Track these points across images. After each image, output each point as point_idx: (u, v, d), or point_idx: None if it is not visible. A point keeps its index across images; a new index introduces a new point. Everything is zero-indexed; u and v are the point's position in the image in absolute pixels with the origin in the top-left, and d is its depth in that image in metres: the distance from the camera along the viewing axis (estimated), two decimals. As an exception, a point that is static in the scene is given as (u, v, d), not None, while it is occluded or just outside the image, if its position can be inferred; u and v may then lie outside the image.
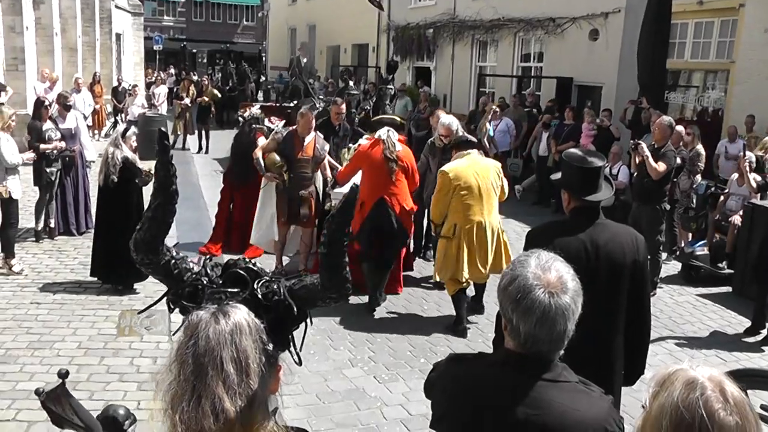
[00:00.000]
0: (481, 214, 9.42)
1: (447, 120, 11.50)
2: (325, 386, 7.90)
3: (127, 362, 8.21)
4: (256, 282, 2.59)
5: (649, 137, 13.90)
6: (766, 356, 9.70)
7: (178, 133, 25.73)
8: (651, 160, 11.06)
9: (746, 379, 5.13)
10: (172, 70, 34.28)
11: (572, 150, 5.12)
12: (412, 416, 7.35)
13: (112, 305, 9.96)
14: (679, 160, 13.18)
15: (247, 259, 2.70)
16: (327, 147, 11.59)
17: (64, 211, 13.23)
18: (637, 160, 11.48)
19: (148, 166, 9.20)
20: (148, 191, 3.18)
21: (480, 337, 9.56)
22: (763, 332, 10.11)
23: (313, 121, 11.41)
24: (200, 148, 25.71)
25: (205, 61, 71.93)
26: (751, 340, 10.12)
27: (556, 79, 23.22)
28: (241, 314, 2.27)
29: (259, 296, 2.54)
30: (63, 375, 3.46)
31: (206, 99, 26.91)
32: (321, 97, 21.83)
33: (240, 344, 2.19)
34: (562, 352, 2.84)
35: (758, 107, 16.81)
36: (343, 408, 7.50)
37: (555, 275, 2.78)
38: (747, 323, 10.57)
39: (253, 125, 14.00)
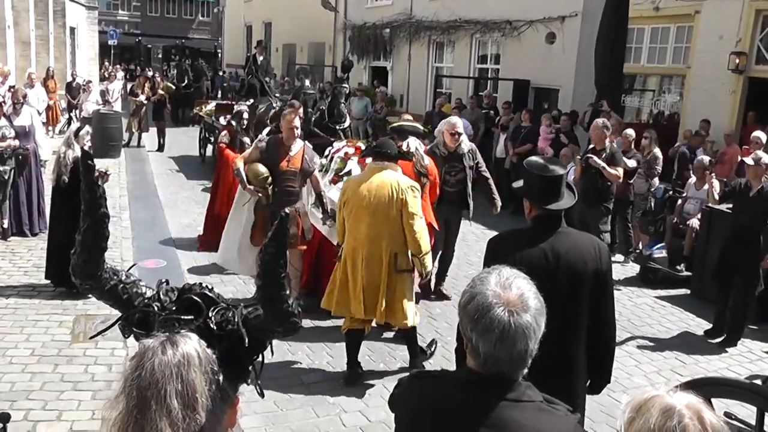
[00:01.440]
0: (367, 239, 7.81)
1: (453, 120, 10.88)
2: (283, 393, 7.76)
3: (82, 370, 8.03)
4: (211, 309, 2.45)
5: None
6: (725, 358, 9.82)
7: (133, 130, 25.40)
8: (608, 168, 11.47)
9: (709, 387, 5.12)
10: (120, 74, 33.89)
11: (533, 158, 5.10)
12: (371, 423, 7.30)
13: (67, 310, 9.73)
14: (634, 163, 13.36)
15: (204, 285, 2.56)
16: (317, 159, 10.29)
17: (17, 211, 12.93)
18: (581, 168, 11.89)
19: (104, 165, 9.04)
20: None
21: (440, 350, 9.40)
22: (728, 335, 10.23)
23: (297, 120, 9.78)
24: (159, 146, 25.37)
25: (160, 56, 71.52)
26: (714, 341, 10.25)
27: (513, 82, 23.32)
28: (191, 344, 2.18)
29: (212, 325, 2.41)
30: (4, 419, 3.35)
31: (161, 92, 26.70)
32: (277, 95, 21.74)
33: (187, 377, 2.10)
34: (526, 370, 2.78)
35: (713, 112, 17.08)
36: (302, 415, 7.40)
37: (516, 293, 2.70)
38: (706, 325, 10.74)
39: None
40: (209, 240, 12.73)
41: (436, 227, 9.95)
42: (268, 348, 2.54)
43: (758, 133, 12.98)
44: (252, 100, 20.88)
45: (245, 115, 14.70)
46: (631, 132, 14.47)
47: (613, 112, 16.77)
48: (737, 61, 16.93)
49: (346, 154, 10.95)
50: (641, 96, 21.55)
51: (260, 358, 2.50)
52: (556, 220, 4.82)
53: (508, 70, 24.38)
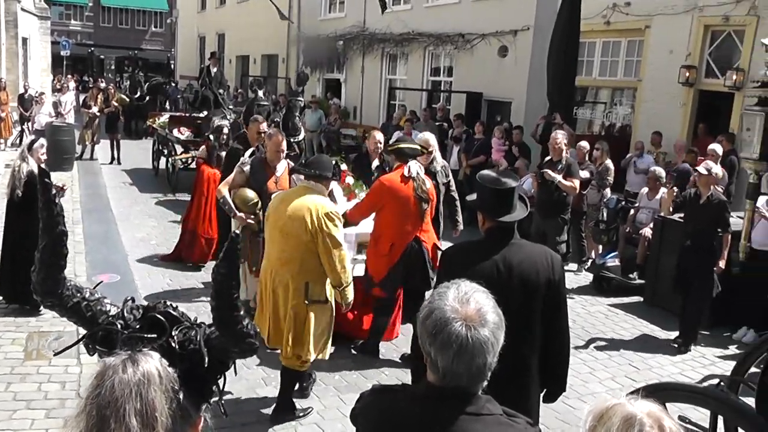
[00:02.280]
0: (278, 263, 7.28)
1: (427, 136, 10.52)
2: (239, 406, 7.66)
3: (35, 388, 7.85)
4: (174, 328, 2.41)
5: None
6: (679, 363, 9.97)
7: (86, 143, 25.02)
8: (563, 181, 11.68)
9: (663, 392, 5.16)
10: (71, 84, 33.48)
11: (486, 172, 5.16)
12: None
13: (19, 327, 9.52)
14: (587, 174, 13.52)
15: (168, 303, 2.52)
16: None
17: (-32, 225, 12.60)
18: (537, 181, 12.18)
19: (60, 179, 8.87)
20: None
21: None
22: (683, 339, 10.49)
23: (284, 143, 9.39)
24: (112, 158, 24.99)
25: (113, 67, 70.80)
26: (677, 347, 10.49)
27: (465, 94, 23.41)
28: (152, 363, 2.15)
29: (173, 344, 2.37)
30: None
31: (115, 104, 26.44)
32: (231, 107, 21.64)
33: (146, 396, 2.07)
34: (485, 383, 2.79)
35: (664, 124, 17.28)
36: (257, 429, 7.34)
37: (474, 308, 2.71)
38: (659, 331, 11.04)
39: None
40: (180, 254, 12.86)
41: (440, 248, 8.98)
42: (231, 368, 2.51)
43: (714, 146, 13.19)
44: (206, 112, 20.81)
45: (225, 130, 14.21)
46: (585, 144, 14.66)
47: (565, 125, 16.90)
48: (687, 74, 17.16)
49: None
50: (593, 108, 21.74)
51: (222, 378, 2.48)
52: (509, 231, 4.87)
53: (460, 82, 24.50)
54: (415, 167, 8.90)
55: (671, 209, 11.68)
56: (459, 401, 2.75)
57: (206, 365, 2.33)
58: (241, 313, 2.43)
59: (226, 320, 2.42)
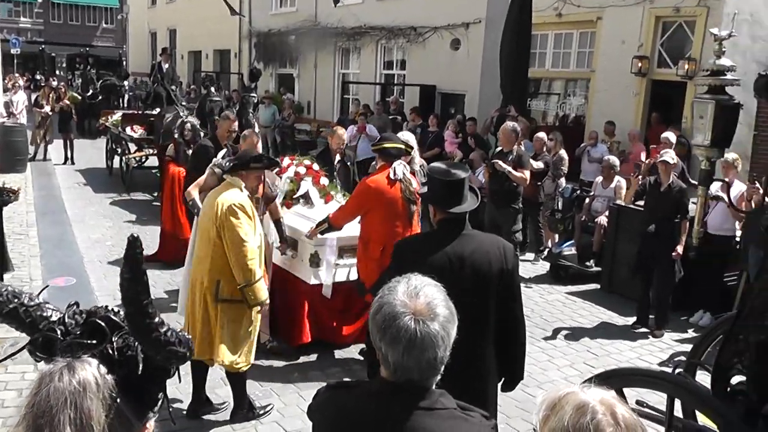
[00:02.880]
0: (195, 261, 7.22)
1: (406, 136, 9.76)
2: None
3: (-10, 396, 7.67)
4: (114, 334, 2.32)
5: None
6: (637, 348, 10.08)
7: (38, 142, 24.57)
8: (513, 171, 11.66)
9: (621, 378, 5.20)
10: (21, 82, 32.90)
11: (436, 164, 5.15)
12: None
13: (-25, 335, 9.38)
14: (542, 164, 13.61)
15: (109, 307, 2.42)
16: (278, 182, 9.36)
17: None
18: (489, 171, 12.19)
19: (13, 181, 8.68)
20: (10, 209, 2.85)
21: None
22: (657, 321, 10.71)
23: (260, 145, 8.98)
24: (66, 158, 24.52)
25: (64, 65, 69.83)
26: (639, 331, 10.67)
27: (419, 87, 23.51)
28: (89, 370, 2.10)
29: (110, 350, 2.28)
30: None
31: (67, 103, 26.06)
32: (184, 104, 21.45)
33: (82, 404, 2.02)
34: (438, 377, 2.79)
35: (618, 114, 17.45)
36: (218, 428, 7.27)
37: (423, 301, 2.70)
38: (616, 317, 11.20)
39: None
40: (164, 255, 12.73)
41: None
42: (175, 374, 2.45)
43: (667, 134, 13.38)
44: (158, 109, 20.61)
45: (188, 126, 13.90)
46: (542, 135, 14.79)
47: (521, 117, 16.99)
48: (640, 64, 17.33)
49: (296, 174, 9.85)
50: (547, 99, 21.87)
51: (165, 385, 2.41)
52: (460, 223, 4.87)
53: (414, 75, 24.58)
54: (400, 168, 8.49)
55: (632, 197, 11.89)
56: (412, 396, 2.74)
57: (141, 372, 2.25)
58: (156, 320, 2.32)
59: (140, 328, 2.32)
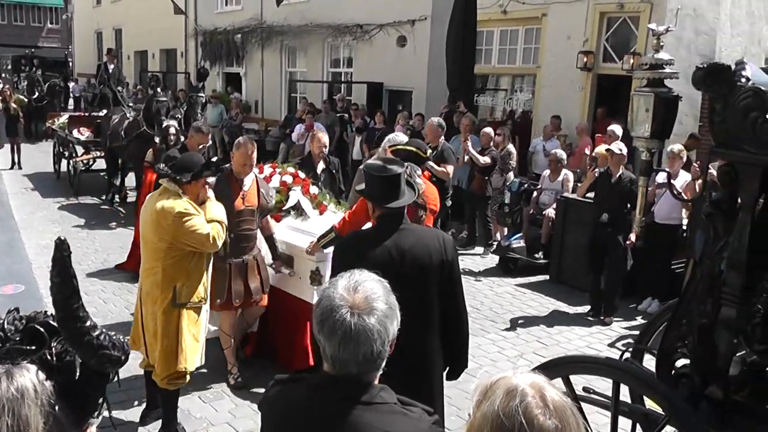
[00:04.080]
0: (146, 271, 6.85)
1: (399, 137, 9.27)
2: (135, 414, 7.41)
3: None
4: (53, 339, 2.30)
5: (457, 139, 14.45)
6: (586, 337, 10.27)
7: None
8: (435, 166, 11.63)
9: (567, 365, 5.28)
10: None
11: (371, 161, 5.28)
12: None
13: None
14: (488, 159, 13.73)
15: (48, 313, 2.39)
16: (273, 192, 8.64)
17: None
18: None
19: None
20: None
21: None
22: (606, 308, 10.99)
23: (255, 154, 8.08)
24: (13, 163, 24.02)
25: (9, 67, 68.42)
26: (593, 319, 10.96)
27: (366, 84, 23.56)
28: (27, 377, 2.08)
29: (49, 356, 2.27)
30: None
31: (14, 106, 25.60)
32: (131, 105, 21.23)
33: (19, 411, 2.00)
34: (379, 372, 2.82)
35: (564, 108, 17.71)
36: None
37: (362, 296, 2.73)
38: (565, 307, 11.41)
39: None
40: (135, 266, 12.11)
41: None
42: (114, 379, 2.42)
43: (614, 127, 13.56)
44: (105, 111, 20.38)
45: (172, 130, 13.18)
46: (489, 130, 14.87)
47: (469, 113, 17.14)
48: (585, 59, 17.57)
49: (283, 184, 9.11)
50: (494, 95, 22.05)
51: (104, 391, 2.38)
52: (398, 217, 4.93)
53: (361, 73, 24.62)
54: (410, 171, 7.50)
55: (585, 189, 12.13)
56: (351, 390, 2.77)
57: (78, 377, 2.24)
58: (88, 324, 2.29)
59: (71, 332, 2.30)
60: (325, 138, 10.19)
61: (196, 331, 6.77)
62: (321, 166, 10.04)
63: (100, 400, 2.34)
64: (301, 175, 9.31)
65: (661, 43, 4.93)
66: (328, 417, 2.76)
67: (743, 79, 4.34)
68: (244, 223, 7.89)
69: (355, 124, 20.37)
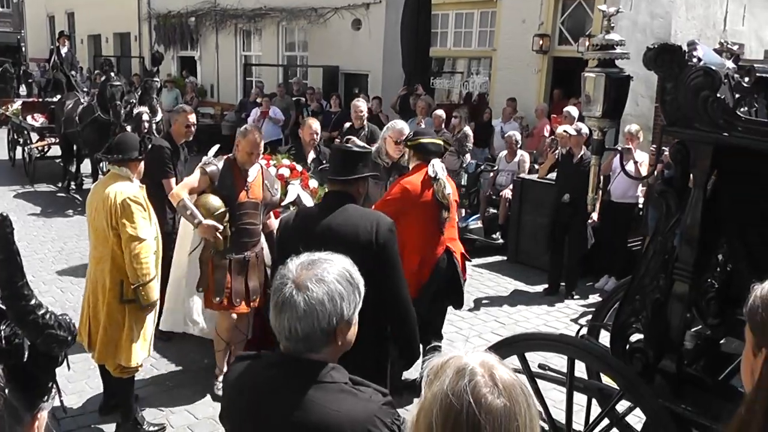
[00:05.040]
0: (93, 261, 6.62)
1: (400, 125, 8.72)
2: (91, 404, 7.32)
3: None
4: (1, 322, 2.20)
5: (414, 121, 14.52)
6: (543, 315, 10.41)
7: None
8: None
9: (523, 343, 5.35)
10: None
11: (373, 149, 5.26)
12: (199, 420, 7.11)
13: None
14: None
15: None
16: (278, 185, 8.00)
17: None
18: None
19: None
20: None
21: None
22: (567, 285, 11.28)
23: (262, 144, 7.60)
24: None
25: (-37, 54, 67.01)
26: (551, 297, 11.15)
27: (322, 68, 23.53)
28: None
29: None
30: None
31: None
32: (85, 90, 21.00)
33: None
34: (330, 349, 2.84)
35: (521, 90, 17.86)
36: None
37: (312, 273, 2.75)
38: (523, 286, 11.57)
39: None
40: None
41: (468, 257, 8.33)
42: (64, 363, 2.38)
43: (569, 108, 13.63)
44: (59, 96, 20.13)
45: (145, 117, 12.77)
46: (440, 112, 14.95)
47: (426, 95, 17.23)
48: (541, 42, 17.70)
49: (281, 177, 8.45)
50: (451, 78, 22.13)
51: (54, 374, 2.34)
52: (344, 196, 4.94)
53: (316, 57, 24.50)
54: (439, 166, 7.39)
55: (547, 170, 12.33)
56: (302, 368, 2.80)
57: (26, 359, 2.22)
58: (33, 302, 2.23)
59: (17, 311, 2.23)
60: (316, 125, 9.66)
61: (140, 327, 6.57)
62: (312, 155, 9.48)
63: (50, 384, 2.30)
64: (299, 167, 8.81)
65: (612, 24, 5.00)
66: (277, 395, 2.79)
67: (695, 60, 4.43)
68: (247, 217, 7.35)
69: (311, 107, 20.34)
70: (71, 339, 2.28)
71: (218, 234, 7.11)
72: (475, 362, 2.04)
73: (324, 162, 8.94)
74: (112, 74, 16.70)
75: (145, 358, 6.80)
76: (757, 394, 2.19)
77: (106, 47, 38.27)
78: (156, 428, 6.92)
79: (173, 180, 8.55)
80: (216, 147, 8.58)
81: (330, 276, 2.74)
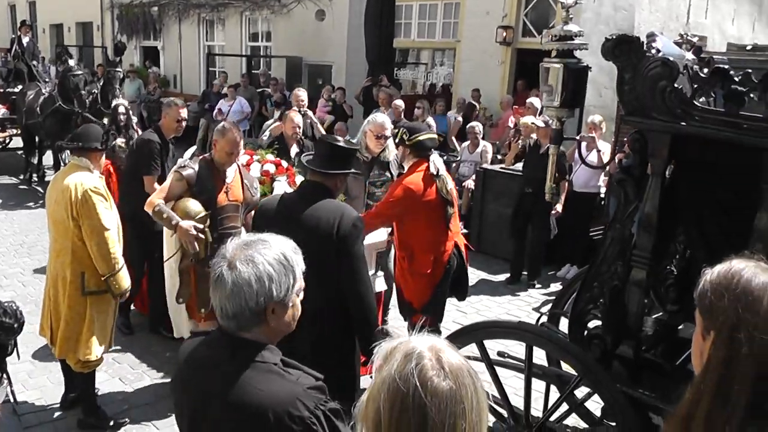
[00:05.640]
0: (53, 253, 6.45)
1: (381, 119, 8.36)
2: (46, 397, 7.25)
3: None
4: None
5: (378, 111, 14.55)
6: (504, 304, 10.47)
7: None
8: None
9: (482, 331, 5.39)
10: None
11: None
12: (160, 413, 7.06)
13: None
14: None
15: None
16: (257, 184, 7.55)
17: None
18: None
19: None
20: None
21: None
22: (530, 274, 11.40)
23: (241, 142, 7.13)
24: None
25: None
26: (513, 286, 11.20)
27: (285, 59, 23.50)
28: None
29: None
30: None
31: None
32: (47, 80, 20.80)
33: None
34: (263, 329, 2.86)
35: (484, 82, 17.92)
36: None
37: (246, 253, 2.78)
38: (485, 275, 11.59)
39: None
40: None
41: (470, 247, 8.03)
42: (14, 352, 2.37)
43: (533, 99, 13.72)
44: (20, 87, 19.92)
45: (121, 109, 11.72)
46: (399, 103, 15.04)
47: (390, 86, 17.27)
48: (504, 34, 17.77)
49: (266, 173, 8.07)
50: (415, 69, 22.23)
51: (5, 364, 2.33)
52: (321, 189, 4.99)
53: (280, 47, 24.48)
54: (439, 162, 7.12)
55: (513, 159, 12.47)
56: (234, 346, 2.84)
57: None
58: None
59: None
60: (298, 119, 9.43)
61: (102, 320, 6.47)
62: (294, 149, 9.24)
63: (2, 375, 2.31)
64: (284, 163, 8.33)
65: (571, 16, 5.06)
66: (210, 371, 2.85)
67: (653, 51, 4.49)
68: (228, 221, 6.98)
69: (274, 98, 20.29)
70: (18, 326, 2.28)
71: (200, 236, 6.65)
72: (424, 346, 2.05)
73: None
74: (71, 62, 16.52)
75: (107, 352, 6.76)
76: (705, 375, 2.25)
77: (68, 37, 37.82)
78: (118, 422, 6.82)
79: (155, 178, 8.20)
80: (192, 149, 8.46)
81: (261, 257, 2.77)
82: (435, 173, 6.86)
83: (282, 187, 7.90)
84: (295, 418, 2.69)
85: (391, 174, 8.35)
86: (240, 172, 7.17)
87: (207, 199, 6.78)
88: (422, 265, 6.87)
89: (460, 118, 16.10)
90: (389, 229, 7.48)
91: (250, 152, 8.33)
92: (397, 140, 7.18)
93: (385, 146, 8.17)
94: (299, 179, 7.90)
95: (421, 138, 6.96)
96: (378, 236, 7.52)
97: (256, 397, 2.72)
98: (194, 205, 6.72)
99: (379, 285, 7.96)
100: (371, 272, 7.17)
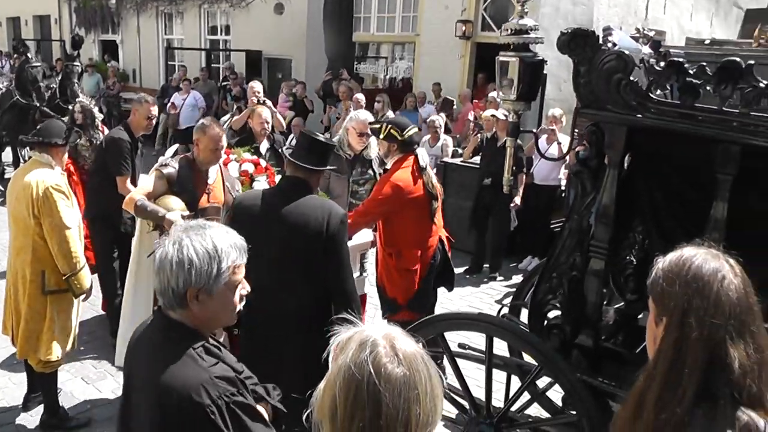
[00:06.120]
0: (13, 251, 6.37)
1: (363, 116, 8.27)
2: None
3: None
4: None
5: (341, 106, 14.59)
6: (467, 297, 10.60)
7: None
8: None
9: (443, 322, 5.44)
10: None
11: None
12: None
13: None
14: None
15: None
16: (239, 186, 7.29)
17: None
18: None
19: None
20: None
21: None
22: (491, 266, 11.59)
23: (223, 140, 6.67)
24: None
25: None
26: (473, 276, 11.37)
27: (245, 53, 23.38)
28: None
29: None
30: None
31: None
32: (3, 74, 20.62)
33: None
34: (185, 312, 2.90)
35: (444, 76, 18.01)
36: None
37: (180, 236, 2.86)
38: None
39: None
40: None
41: (452, 239, 7.89)
42: None
43: (494, 93, 13.79)
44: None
45: (77, 107, 11.02)
46: (360, 96, 14.99)
47: (351, 80, 17.29)
48: (464, 28, 17.81)
49: (244, 173, 7.77)
50: (375, 63, 22.29)
51: None
52: (302, 184, 4.98)
53: (239, 41, 24.38)
54: (427, 157, 7.11)
55: (471, 153, 12.69)
56: (166, 326, 2.92)
57: None
58: None
59: None
60: (266, 114, 9.04)
61: (63, 319, 6.39)
62: (265, 145, 8.91)
63: None
64: (263, 162, 8.08)
65: (526, 10, 5.11)
66: (141, 349, 2.99)
67: (609, 44, 4.56)
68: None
69: (234, 92, 20.23)
70: None
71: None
72: (378, 334, 2.08)
73: (280, 150, 8.11)
74: (29, 55, 16.38)
75: (69, 352, 6.69)
76: (657, 360, 2.31)
77: (25, 30, 37.28)
78: (81, 422, 6.78)
79: (128, 177, 7.98)
80: (174, 147, 8.35)
81: (188, 242, 2.83)
82: (423, 167, 6.82)
83: (262, 186, 7.60)
84: (195, 403, 2.72)
85: (373, 171, 8.32)
86: (222, 174, 6.93)
87: (189, 200, 6.50)
88: (409, 261, 6.86)
89: (444, 117, 16.00)
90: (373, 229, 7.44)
91: (227, 151, 7.72)
92: (382, 136, 6.97)
93: (368, 143, 8.10)
94: (279, 179, 7.53)
95: (411, 133, 6.90)
96: (363, 237, 7.47)
97: (167, 379, 2.77)
98: (176, 202, 6.42)
99: (364, 286, 7.83)
100: (356, 274, 6.93)
